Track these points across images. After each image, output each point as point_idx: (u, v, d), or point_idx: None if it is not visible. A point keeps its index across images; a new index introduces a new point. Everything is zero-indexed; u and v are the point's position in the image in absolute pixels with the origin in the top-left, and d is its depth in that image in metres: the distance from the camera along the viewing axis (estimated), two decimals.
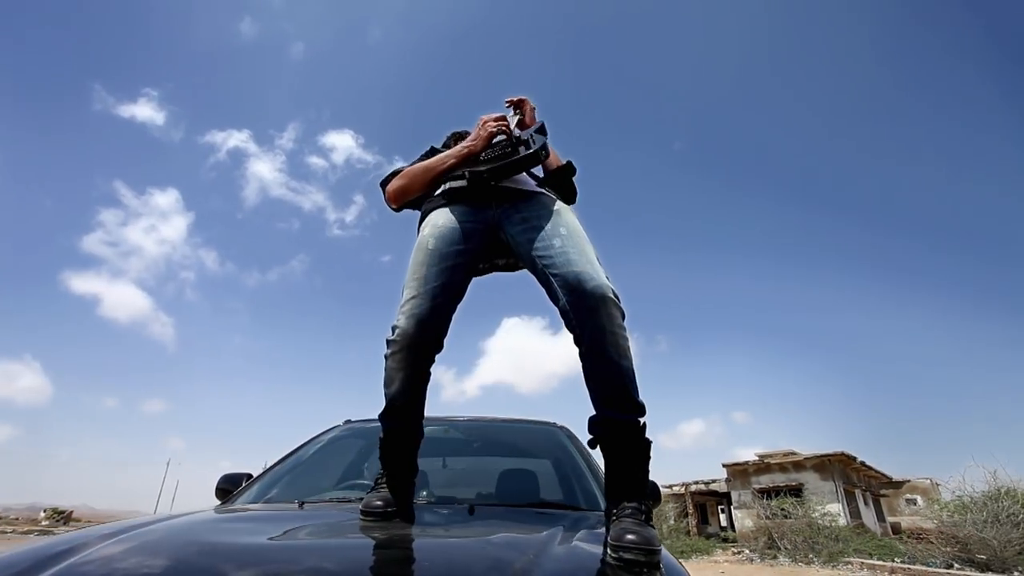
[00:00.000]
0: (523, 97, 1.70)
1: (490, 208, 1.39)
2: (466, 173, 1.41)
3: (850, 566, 11.91)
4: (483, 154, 1.45)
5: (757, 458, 20.77)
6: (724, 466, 21.64)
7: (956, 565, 10.97)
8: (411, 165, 1.59)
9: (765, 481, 20.18)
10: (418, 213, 1.54)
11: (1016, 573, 9.99)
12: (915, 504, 26.76)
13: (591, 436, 1.15)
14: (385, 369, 1.23)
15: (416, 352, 1.19)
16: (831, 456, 18.68)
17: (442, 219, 1.36)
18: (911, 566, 10.69)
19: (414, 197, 1.54)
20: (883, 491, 23.84)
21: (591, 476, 1.80)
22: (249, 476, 1.96)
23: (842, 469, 19.44)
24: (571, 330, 1.16)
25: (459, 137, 1.69)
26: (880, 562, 11.44)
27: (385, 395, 1.23)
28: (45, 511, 29.98)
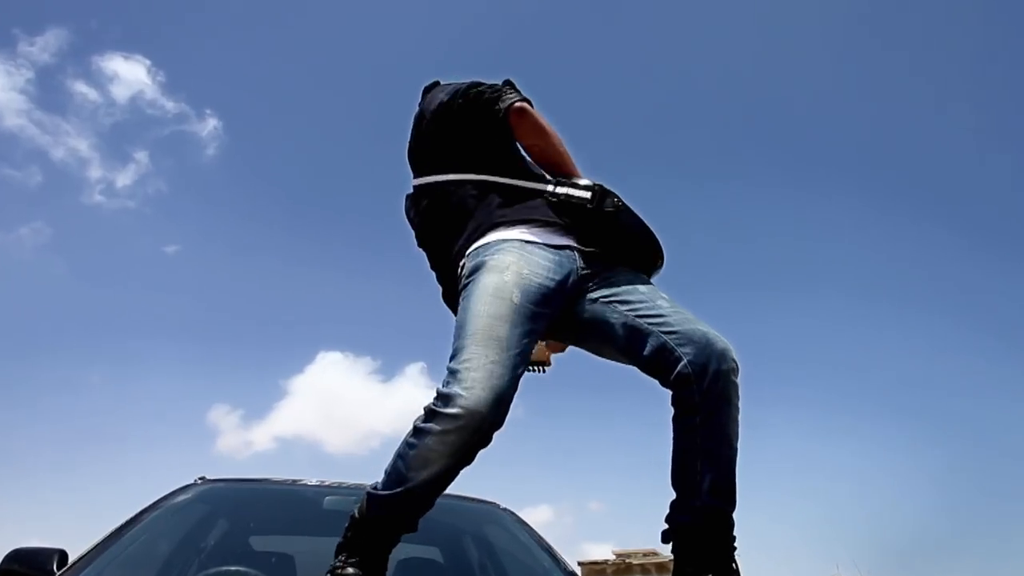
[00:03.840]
0: None
1: (576, 272, 1.15)
2: (586, 186, 1.18)
3: None
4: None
5: (616, 556, 20.84)
6: (580, 564, 21.30)
7: None
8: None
9: None
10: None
11: None
12: None
13: (673, 526, 1.04)
14: (419, 447, 0.98)
15: (481, 436, 0.97)
16: None
17: (527, 266, 1.11)
18: None
19: (535, 152, 1.27)
20: None
21: (560, 574, 1.69)
22: (62, 554, 1.47)
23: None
24: (685, 398, 1.03)
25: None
26: None
27: (405, 479, 0.98)
28: None
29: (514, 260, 1.11)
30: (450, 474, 1.00)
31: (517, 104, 1.22)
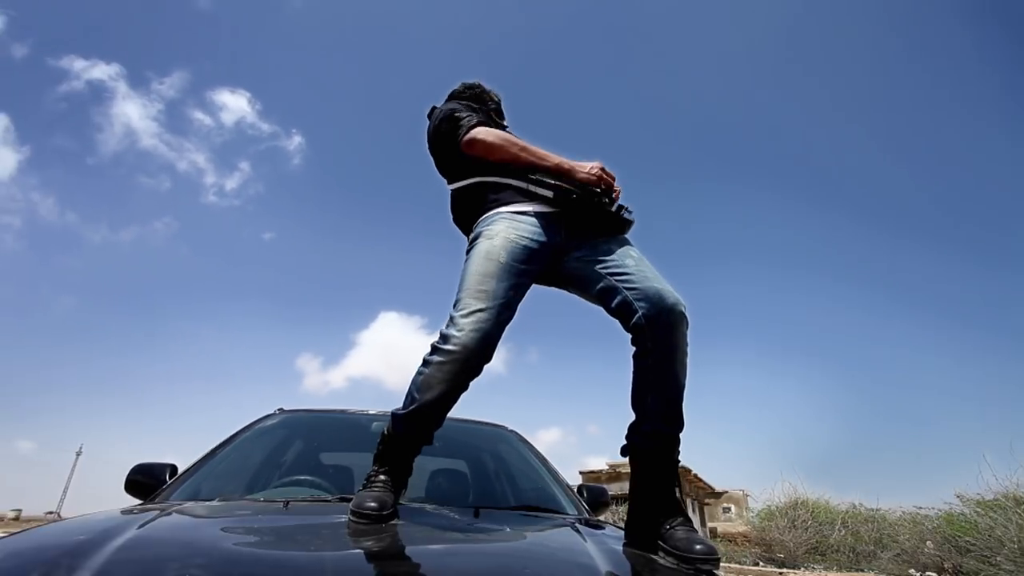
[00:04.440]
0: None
1: (559, 235, 1.37)
2: (551, 186, 1.39)
3: None
4: (575, 184, 1.39)
5: (608, 467, 22.63)
6: (580, 473, 23.22)
7: (760, 563, 12.99)
8: (484, 125, 1.51)
9: (615, 489, 21.70)
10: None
11: (803, 568, 12.12)
12: (729, 512, 31.33)
13: (628, 443, 1.22)
14: (425, 374, 1.21)
15: (471, 367, 1.19)
16: None
17: (514, 232, 1.34)
18: (728, 564, 12.42)
19: (490, 161, 1.47)
20: (707, 500, 27.27)
21: (552, 480, 1.93)
22: (173, 468, 1.77)
23: (681, 480, 21.82)
24: (640, 343, 1.21)
25: (478, 93, 1.77)
26: None
27: (415, 399, 1.21)
28: None
29: (503, 228, 1.34)
30: (448, 396, 1.20)
31: (465, 139, 1.47)
